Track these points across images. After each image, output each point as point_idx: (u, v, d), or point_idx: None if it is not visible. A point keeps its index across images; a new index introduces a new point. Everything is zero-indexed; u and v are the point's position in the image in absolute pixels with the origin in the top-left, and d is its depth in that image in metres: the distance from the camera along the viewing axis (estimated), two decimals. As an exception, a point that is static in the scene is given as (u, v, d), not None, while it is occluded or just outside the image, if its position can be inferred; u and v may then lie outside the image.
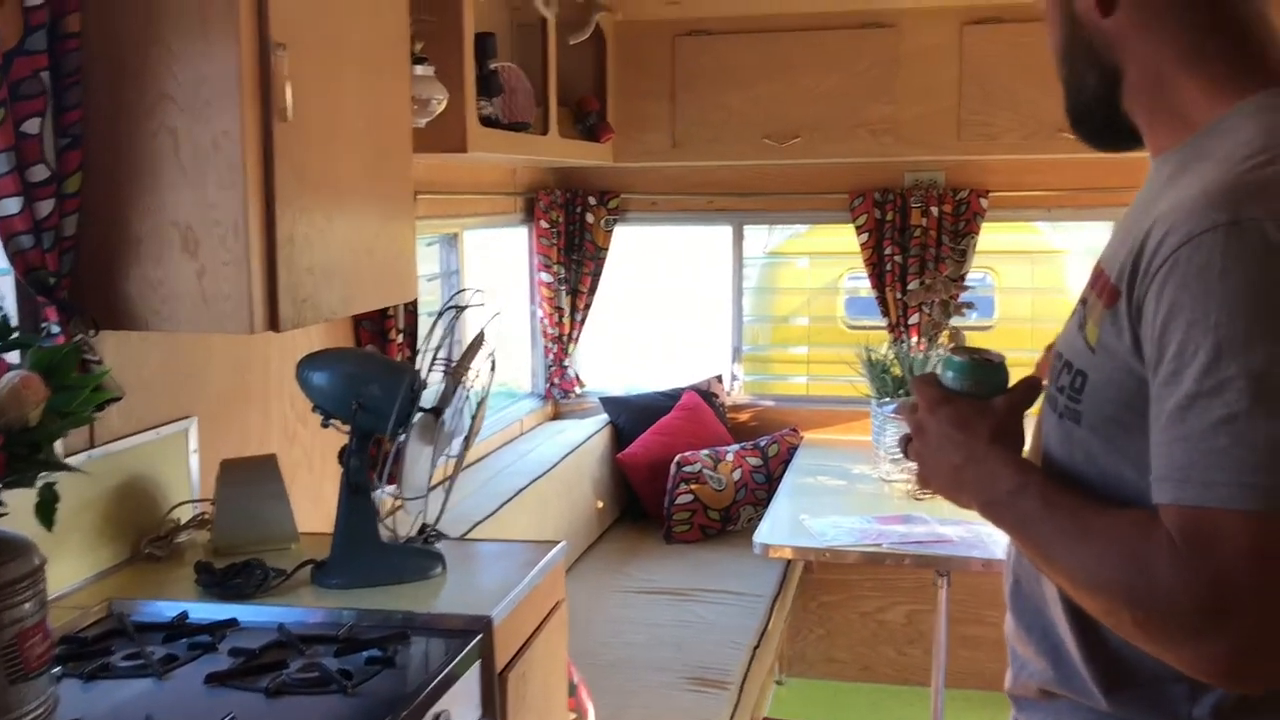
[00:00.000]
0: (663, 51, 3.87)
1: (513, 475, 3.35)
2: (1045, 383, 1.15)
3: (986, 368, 1.14)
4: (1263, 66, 1.07)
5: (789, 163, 3.96)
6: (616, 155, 3.92)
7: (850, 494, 3.42)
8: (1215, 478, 0.91)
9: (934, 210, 3.95)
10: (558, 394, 4.27)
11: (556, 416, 4.33)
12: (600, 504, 3.88)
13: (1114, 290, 1.03)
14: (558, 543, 2.11)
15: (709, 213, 4.28)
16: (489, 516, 2.95)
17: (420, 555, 1.94)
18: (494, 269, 4.36)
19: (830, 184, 4.09)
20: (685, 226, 4.48)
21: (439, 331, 1.85)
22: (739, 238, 4.32)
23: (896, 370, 3.77)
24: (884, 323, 4.13)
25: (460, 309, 1.93)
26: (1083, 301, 1.11)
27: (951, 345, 1.21)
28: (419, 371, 1.89)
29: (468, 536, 2.67)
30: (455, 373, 1.88)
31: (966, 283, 4.01)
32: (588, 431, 3.96)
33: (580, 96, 3.75)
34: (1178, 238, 0.96)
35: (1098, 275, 1.08)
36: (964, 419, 1.12)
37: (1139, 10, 1.09)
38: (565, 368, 4.26)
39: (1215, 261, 0.93)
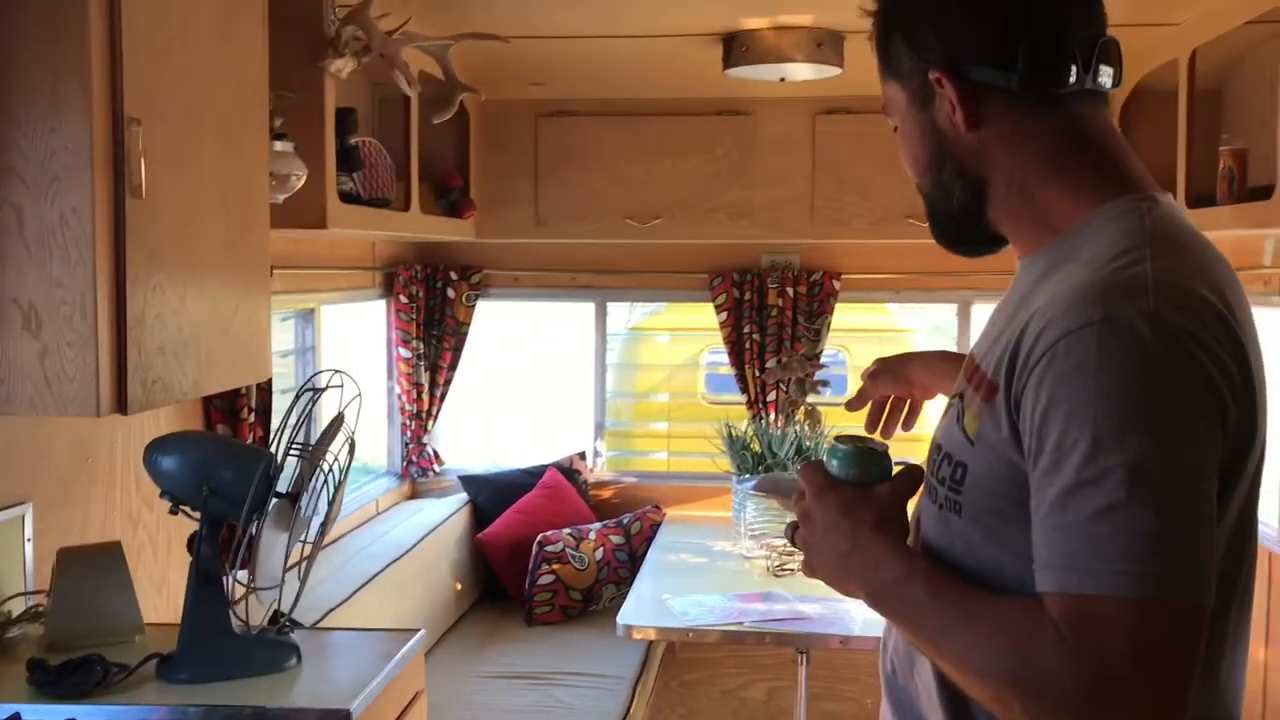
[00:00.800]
0: (526, 131, 3.91)
1: (369, 558, 3.26)
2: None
3: (870, 456, 1.15)
4: (1120, 175, 1.12)
5: (650, 243, 4.01)
6: (480, 231, 3.92)
7: (712, 572, 3.44)
8: (1097, 566, 0.93)
9: (790, 291, 4.05)
10: (415, 472, 4.20)
11: (414, 495, 4.24)
12: (459, 586, 3.81)
13: (991, 385, 1.05)
14: (416, 631, 2.05)
15: (572, 289, 4.30)
16: (344, 602, 2.86)
17: (273, 646, 1.86)
18: (351, 344, 4.29)
19: (690, 263, 4.17)
20: (548, 302, 4.48)
21: (295, 414, 1.80)
22: (602, 314, 4.35)
23: (756, 447, 3.83)
24: (744, 399, 4.20)
25: (318, 391, 1.88)
26: (959, 395, 1.13)
27: (836, 434, 1.21)
28: (274, 455, 1.82)
29: (322, 624, 2.58)
30: (313, 456, 1.82)
31: (822, 361, 4.10)
32: (446, 511, 3.89)
33: (443, 173, 3.74)
34: (1055, 333, 0.99)
35: (973, 370, 1.11)
36: (849, 506, 1.12)
37: (1005, 125, 1.12)
38: (423, 445, 4.19)
39: (1091, 357, 0.96)
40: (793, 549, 3.36)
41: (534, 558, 3.74)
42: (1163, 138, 3.51)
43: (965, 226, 1.19)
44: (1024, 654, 0.96)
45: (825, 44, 3.09)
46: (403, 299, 4.09)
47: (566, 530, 3.84)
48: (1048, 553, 0.97)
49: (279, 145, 2.38)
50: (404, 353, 4.12)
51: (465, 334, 4.22)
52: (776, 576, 3.33)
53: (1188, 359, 0.96)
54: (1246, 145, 2.90)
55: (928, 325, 6.14)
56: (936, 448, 1.14)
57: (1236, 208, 2.73)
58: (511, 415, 10.05)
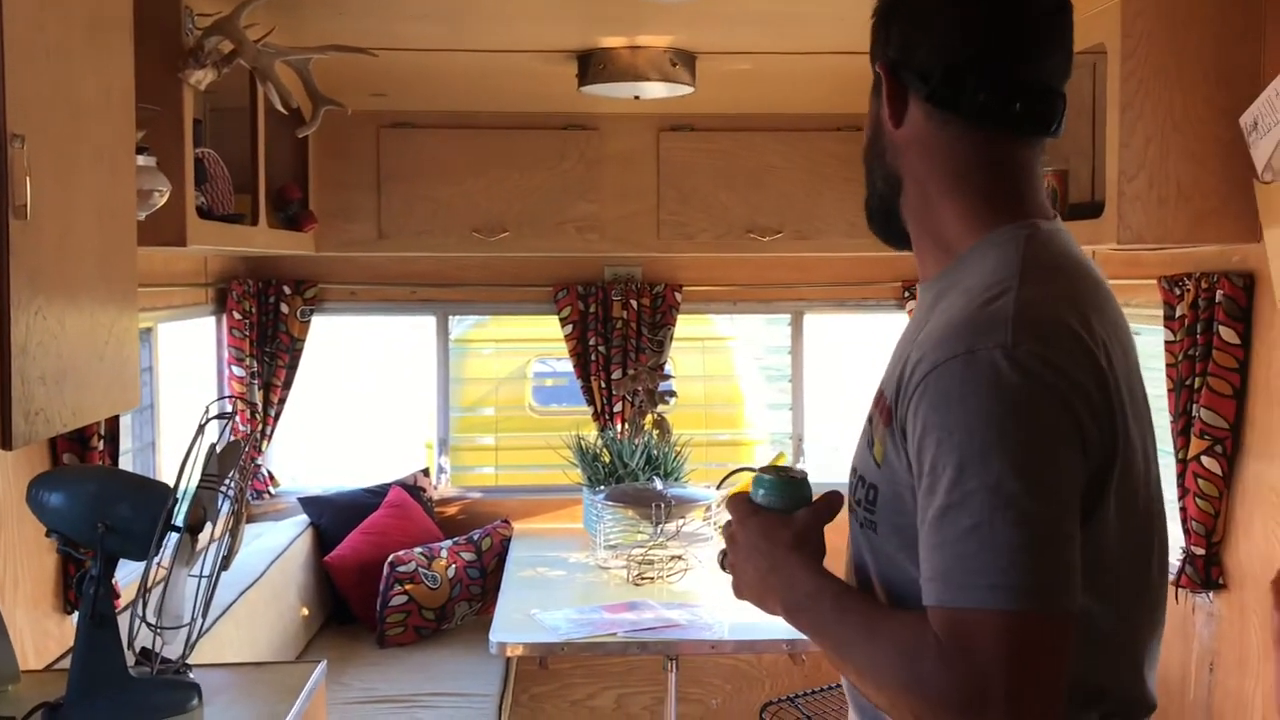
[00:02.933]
0: (368, 142, 3.83)
1: (221, 588, 3.11)
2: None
3: (791, 484, 1.26)
4: (1016, 204, 1.19)
5: (495, 255, 4.00)
6: (319, 245, 3.81)
7: (572, 584, 3.45)
8: (967, 580, 1.02)
9: (633, 303, 4.11)
10: (250, 496, 4.04)
11: (249, 520, 4.08)
12: (305, 611, 3.69)
13: (888, 411, 1.14)
14: (317, 663, 2.00)
15: (412, 303, 4.23)
16: (198, 640, 2.72)
17: (174, 689, 1.77)
18: (182, 364, 4.10)
19: (534, 276, 4.17)
20: (387, 316, 4.39)
21: (201, 442, 1.72)
22: (444, 328, 4.30)
23: (606, 457, 3.87)
24: (579, 408, 4.23)
25: (228, 417, 1.81)
26: (869, 420, 1.20)
27: (761, 467, 1.32)
28: (174, 489, 1.74)
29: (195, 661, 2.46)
30: (214, 486, 1.75)
31: (665, 371, 4.18)
32: (289, 535, 3.76)
33: (281, 185, 3.62)
34: (926, 366, 1.08)
35: (879, 397, 1.19)
36: (768, 529, 1.22)
37: (918, 132, 1.20)
38: (258, 467, 4.04)
39: (955, 387, 1.06)
40: (652, 560, 3.42)
41: (385, 578, 3.66)
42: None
43: (880, 216, 1.29)
44: (910, 664, 1.04)
45: (680, 63, 3.16)
46: (236, 315, 3.93)
47: (418, 549, 3.78)
48: (928, 568, 1.06)
49: (141, 160, 2.26)
50: (237, 371, 3.96)
51: (300, 350, 4.10)
52: (637, 585, 3.38)
53: (1043, 387, 1.04)
54: (1066, 167, 3.13)
55: (745, 335, 6.33)
56: (853, 470, 1.23)
57: (1068, 225, 2.94)
58: (344, 433, 9.76)
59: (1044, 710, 1.02)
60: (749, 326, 6.97)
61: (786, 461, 4.28)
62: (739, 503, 1.27)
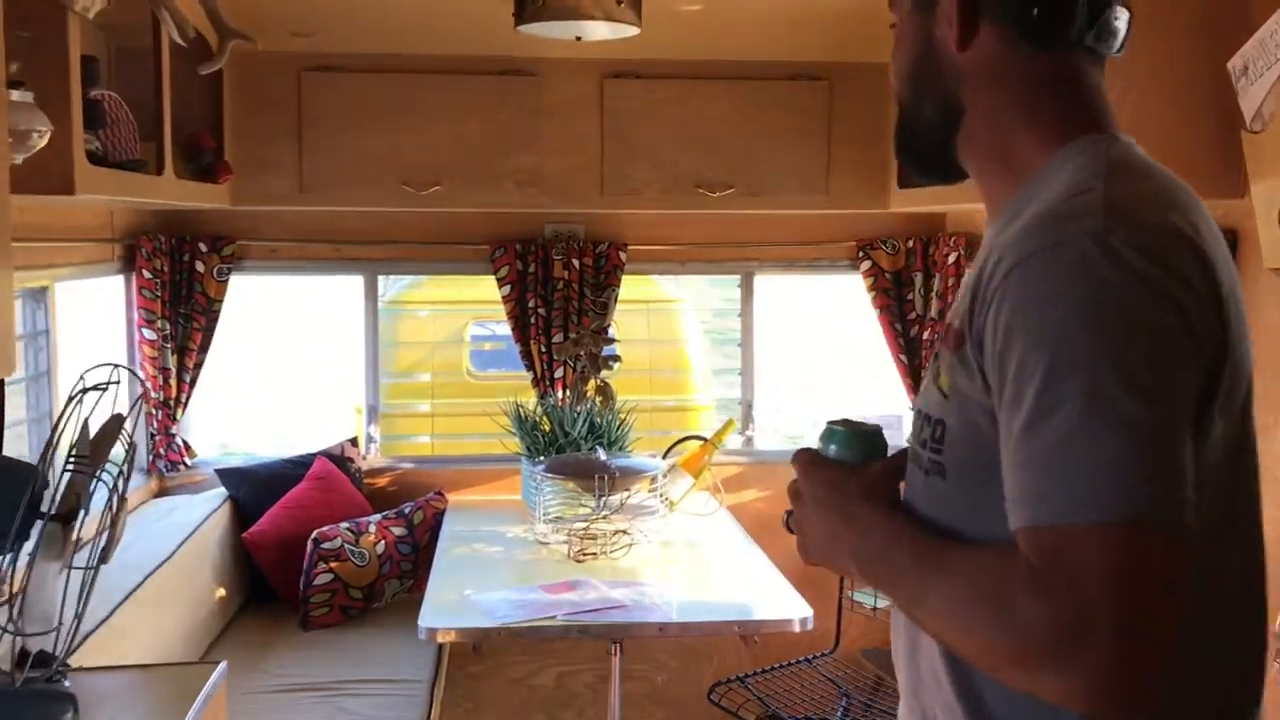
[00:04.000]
0: (287, 87, 3.54)
1: (122, 570, 2.85)
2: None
3: (863, 436, 1.18)
4: (1087, 118, 1.10)
5: (428, 211, 3.74)
6: (235, 198, 3.54)
7: (509, 562, 3.24)
8: (1061, 493, 0.90)
9: (575, 263, 3.88)
10: (164, 467, 3.77)
11: (163, 492, 3.81)
12: (222, 592, 3.44)
13: (958, 334, 1.04)
14: (217, 664, 1.77)
15: (337, 262, 3.96)
16: (99, 627, 2.48)
17: (45, 700, 1.54)
18: (85, 327, 3.81)
19: (469, 234, 3.92)
20: (311, 276, 4.12)
21: (72, 418, 1.48)
22: (372, 289, 4.03)
23: (547, 425, 3.66)
24: (520, 373, 4.00)
25: (101, 389, 1.56)
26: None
27: (830, 420, 1.23)
28: (40, 470, 1.50)
29: (83, 664, 2.22)
30: (89, 467, 1.51)
31: (609, 335, 3.96)
32: (204, 510, 3.51)
33: (193, 133, 3.33)
34: (1007, 264, 0.98)
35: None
36: (836, 481, 1.13)
37: (993, 57, 1.10)
38: (172, 436, 3.77)
39: (1040, 283, 0.95)
40: (594, 535, 3.21)
41: (309, 556, 3.42)
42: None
43: (926, 144, 1.18)
44: (999, 596, 0.91)
45: (624, 1, 2.92)
46: (146, 274, 3.64)
47: (344, 524, 3.54)
48: (1015, 488, 0.94)
49: (16, 95, 1.99)
50: (148, 334, 3.68)
51: (217, 312, 3.81)
52: (579, 562, 3.18)
53: (1141, 279, 0.93)
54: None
55: (694, 298, 6.13)
56: (918, 413, 1.12)
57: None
58: (270, 401, 9.41)
59: (1158, 639, 0.88)
60: (694, 288, 6.76)
61: (737, 429, 4.09)
62: (805, 457, 1.18)
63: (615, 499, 3.25)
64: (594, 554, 3.21)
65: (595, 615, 2.73)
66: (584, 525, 3.26)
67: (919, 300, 4.04)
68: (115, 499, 1.54)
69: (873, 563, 1.08)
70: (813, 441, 1.23)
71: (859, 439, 1.17)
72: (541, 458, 3.51)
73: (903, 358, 4.08)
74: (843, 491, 1.12)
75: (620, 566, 3.15)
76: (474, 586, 2.95)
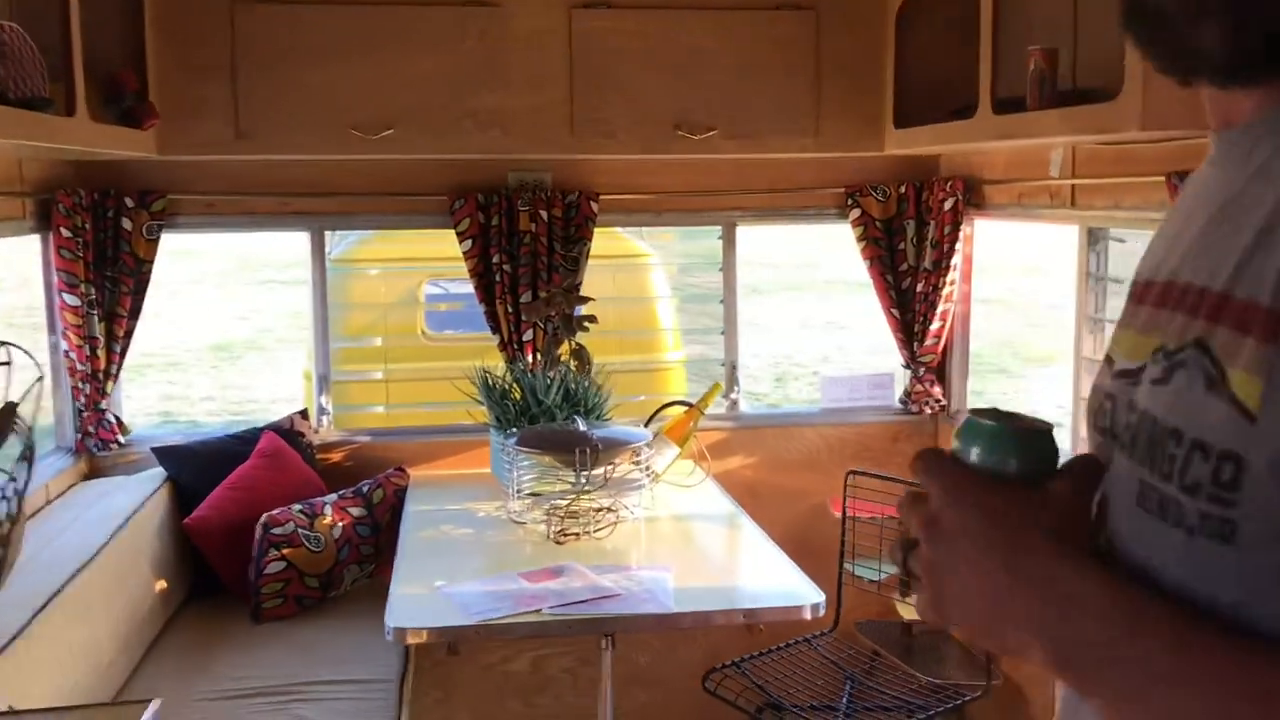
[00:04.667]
0: (220, 19, 3.16)
1: (46, 569, 2.52)
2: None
3: (1032, 437, 0.77)
4: None
5: (380, 158, 3.39)
6: (163, 146, 3.16)
7: (482, 545, 2.93)
8: None
9: (543, 214, 3.55)
10: (94, 446, 3.41)
11: (93, 474, 3.45)
12: (162, 584, 3.10)
13: (1272, 315, 0.65)
14: (146, 703, 1.45)
15: (282, 216, 3.60)
16: (16, 638, 2.15)
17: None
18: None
19: (426, 184, 3.57)
20: (252, 232, 3.75)
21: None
22: (319, 245, 3.67)
23: (517, 393, 3.34)
24: (478, 334, 3.67)
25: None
26: (1194, 343, 0.71)
27: (974, 410, 0.80)
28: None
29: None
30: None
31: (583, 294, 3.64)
32: (140, 494, 3.16)
33: (112, 71, 2.95)
34: None
35: (1221, 303, 0.70)
36: (1006, 512, 0.73)
37: None
38: (102, 412, 3.41)
39: None
40: (576, 513, 2.91)
41: (259, 542, 3.09)
42: (945, 42, 3.27)
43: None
44: None
45: (602, -85, 2.58)
46: (65, 232, 3.26)
47: (296, 506, 3.21)
48: None
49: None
50: (70, 299, 3.30)
51: (148, 274, 3.44)
52: (559, 544, 2.88)
53: None
54: (1056, 45, 2.66)
55: (667, 252, 5.81)
56: (1169, 433, 0.71)
57: (1068, 112, 2.48)
58: (211, 371, 8.95)
59: None
60: (658, 242, 6.44)
61: (733, 396, 3.81)
62: (942, 464, 0.77)
63: (598, 473, 2.95)
64: (576, 534, 2.91)
65: (585, 608, 2.43)
66: (564, 503, 2.96)
67: (911, 250, 3.76)
68: (6, 510, 1.22)
69: (1084, 654, 0.68)
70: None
71: (1032, 443, 0.77)
72: (513, 429, 3.20)
73: (894, 312, 3.80)
74: (1018, 526, 0.73)
75: (606, 548, 2.86)
76: (445, 576, 2.64)
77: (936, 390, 3.82)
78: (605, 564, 2.70)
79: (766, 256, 13.66)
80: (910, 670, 3.32)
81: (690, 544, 2.98)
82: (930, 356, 3.79)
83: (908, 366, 3.85)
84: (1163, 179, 2.52)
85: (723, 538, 3.02)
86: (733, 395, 3.83)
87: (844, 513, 3.44)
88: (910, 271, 3.79)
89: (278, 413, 3.62)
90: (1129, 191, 2.80)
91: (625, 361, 4.96)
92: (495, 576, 2.62)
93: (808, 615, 2.44)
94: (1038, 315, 13.67)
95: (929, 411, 3.83)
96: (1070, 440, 3.17)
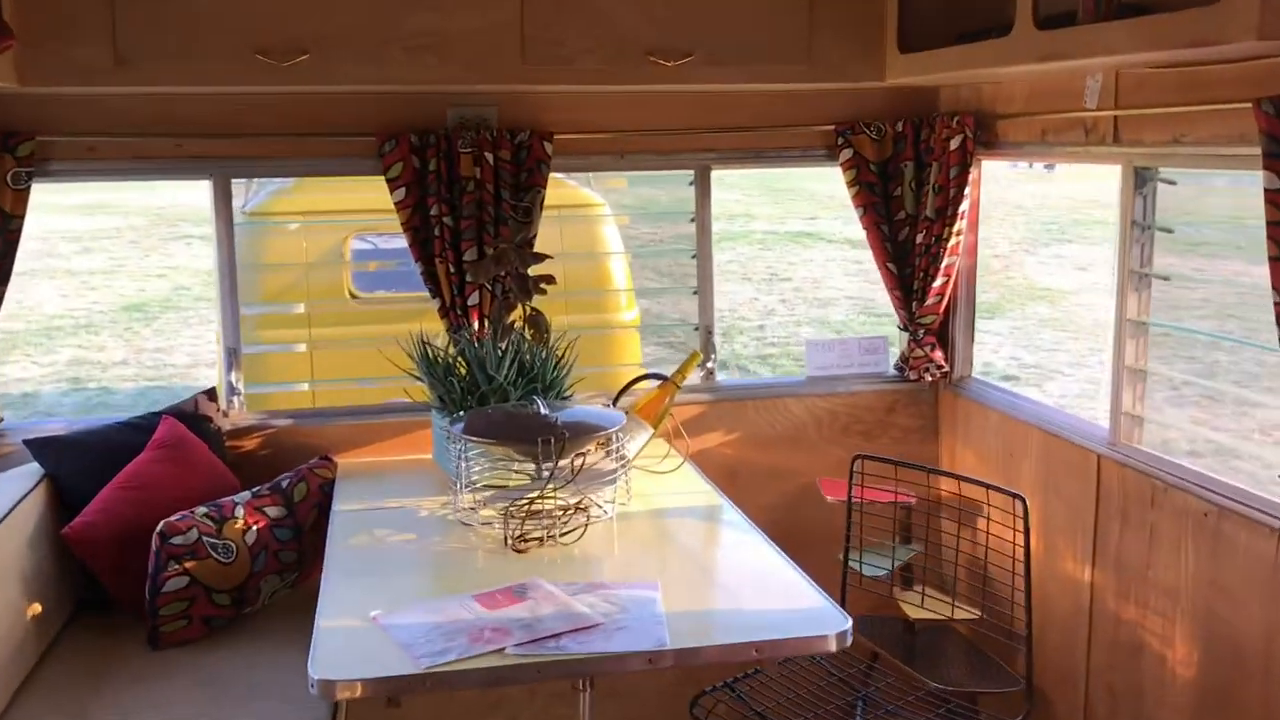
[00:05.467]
0: (88, -82, 2.58)
1: None
2: None
3: None
4: None
5: (293, 90, 2.85)
6: (25, 75, 2.59)
7: (426, 554, 2.44)
8: None
9: (489, 157, 3.03)
10: (-43, 437, 2.85)
11: (-44, 470, 2.90)
12: (37, 608, 2.57)
13: None
14: None
15: (178, 161, 3.03)
16: None
17: None
18: None
19: (349, 120, 3.03)
20: (143, 181, 3.18)
21: None
22: (224, 195, 3.11)
23: (463, 369, 2.84)
24: (414, 294, 3.15)
25: None
26: None
27: None
28: None
29: None
30: None
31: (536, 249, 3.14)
32: (9, 497, 2.62)
33: (-49, -21, 2.37)
34: None
35: None
36: None
37: None
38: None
39: None
40: (538, 512, 2.43)
41: (155, 555, 2.57)
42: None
43: None
44: None
45: None
46: (-94, 182, 2.68)
47: (201, 509, 2.68)
48: None
49: None
50: (-83, 263, 2.73)
51: (17, 231, 2.88)
52: (519, 552, 2.40)
53: None
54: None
55: (630, 200, 5.29)
56: None
57: (1141, 24, 2.02)
58: (125, 334, 8.22)
59: None
60: (606, 188, 5.91)
61: (709, 366, 3.33)
62: None
63: (564, 464, 2.46)
64: (539, 539, 2.43)
65: (559, 645, 1.96)
66: (524, 501, 2.48)
67: (909, 196, 3.31)
68: None
69: None
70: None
71: None
72: (459, 412, 2.70)
73: (890, 267, 3.35)
74: None
75: (575, 555, 2.39)
76: (382, 599, 2.15)
77: (938, 355, 3.38)
78: (577, 581, 2.22)
79: (665, 206, 13.21)
80: (917, 675, 2.91)
81: (675, 547, 2.51)
82: (931, 317, 3.34)
83: (905, 328, 3.41)
84: (1249, 105, 2.08)
85: (712, 538, 2.56)
86: (709, 365, 3.36)
87: (849, 499, 3.00)
88: (908, 220, 3.33)
89: (199, 379, 3.08)
90: (1196, 122, 2.36)
91: (577, 326, 4.47)
92: (444, 599, 2.14)
93: (833, 646, 1.99)
94: (981, 263, 13.38)
95: (929, 379, 3.40)
96: (1110, 416, 2.75)
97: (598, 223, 4.88)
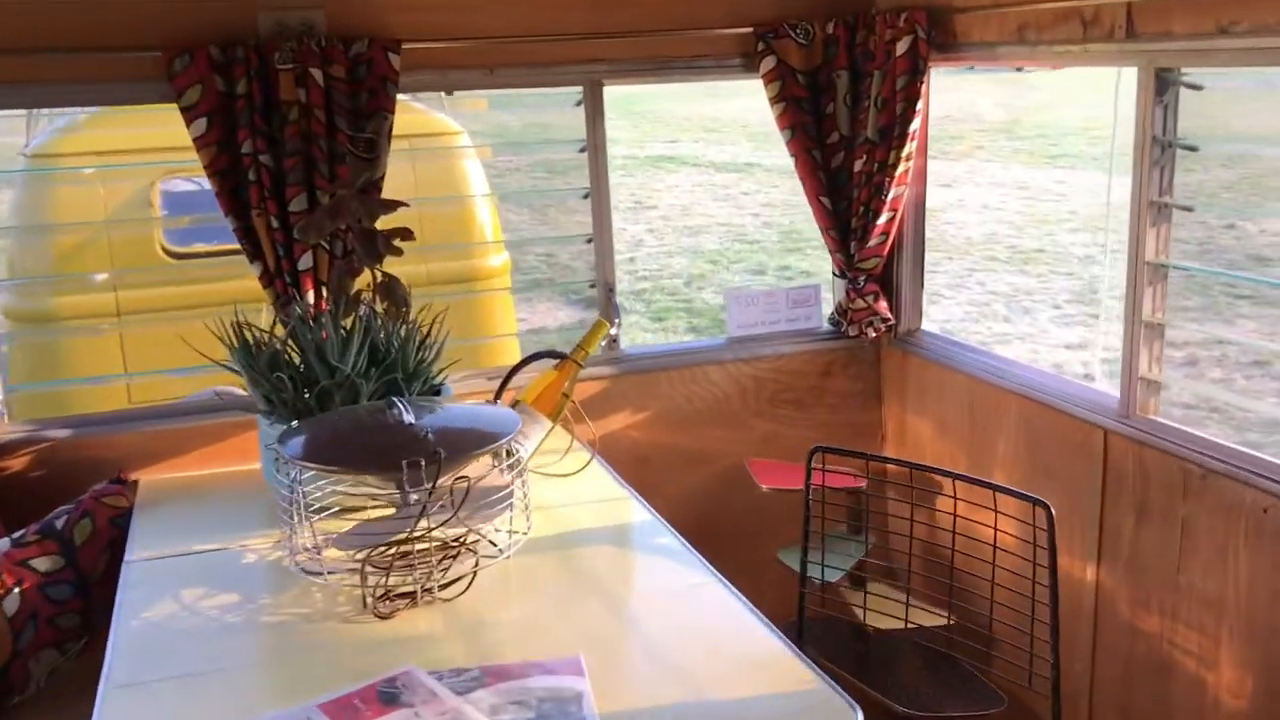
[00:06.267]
0: None
1: None
2: None
3: None
4: None
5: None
6: None
7: (253, 632, 1.76)
8: None
9: (316, 75, 2.31)
10: None
11: None
12: None
13: None
14: None
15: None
16: None
17: None
18: None
19: (134, 34, 2.27)
20: None
21: None
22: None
23: (295, 357, 2.15)
24: (254, 270, 2.43)
25: None
26: None
27: None
28: None
29: None
30: None
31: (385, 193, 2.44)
32: None
33: None
34: None
35: None
36: None
37: None
38: None
39: None
40: (406, 554, 1.79)
41: None
42: None
43: None
44: None
45: None
46: None
47: (-66, 573, 1.95)
48: None
49: None
50: None
51: None
52: (382, 618, 1.75)
53: None
54: None
55: (492, 123, 4.56)
56: None
57: None
58: None
59: None
60: (472, 110, 5.17)
61: (613, 332, 2.70)
62: None
63: (443, 487, 1.81)
64: (411, 596, 1.78)
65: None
66: (385, 546, 1.82)
67: (843, 114, 2.71)
68: None
69: None
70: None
71: None
72: (295, 424, 2.01)
73: (824, 200, 2.76)
74: None
75: (462, 617, 1.75)
76: (189, 707, 1.48)
77: (882, 305, 2.82)
78: (470, 666, 1.58)
79: (519, 134, 12.31)
80: (878, 695, 2.39)
81: (597, 591, 1.89)
82: (874, 261, 2.77)
83: (842, 274, 2.83)
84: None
85: (646, 574, 1.95)
86: (613, 331, 2.72)
87: (807, 495, 2.42)
88: (844, 143, 2.74)
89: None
90: (1247, 7, 1.80)
91: (441, 291, 3.77)
92: (275, 715, 1.48)
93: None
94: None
95: (871, 334, 2.83)
96: (1121, 382, 2.22)
97: (456, 156, 4.16)
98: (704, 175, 14.38)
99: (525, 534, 1.95)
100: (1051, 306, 8.64)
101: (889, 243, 2.76)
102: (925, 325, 2.90)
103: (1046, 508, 2.00)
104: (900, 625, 2.53)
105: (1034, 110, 17.57)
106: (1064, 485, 2.36)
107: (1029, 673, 2.11)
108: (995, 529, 2.20)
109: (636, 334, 8.02)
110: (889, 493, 2.64)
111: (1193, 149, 2.07)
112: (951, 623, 2.47)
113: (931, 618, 2.52)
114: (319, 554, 1.85)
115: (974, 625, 2.34)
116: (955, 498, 2.29)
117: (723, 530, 2.79)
